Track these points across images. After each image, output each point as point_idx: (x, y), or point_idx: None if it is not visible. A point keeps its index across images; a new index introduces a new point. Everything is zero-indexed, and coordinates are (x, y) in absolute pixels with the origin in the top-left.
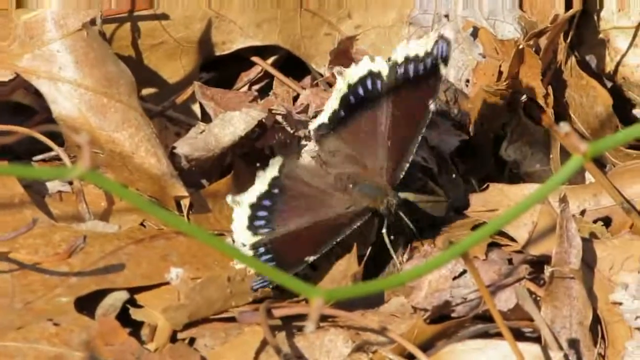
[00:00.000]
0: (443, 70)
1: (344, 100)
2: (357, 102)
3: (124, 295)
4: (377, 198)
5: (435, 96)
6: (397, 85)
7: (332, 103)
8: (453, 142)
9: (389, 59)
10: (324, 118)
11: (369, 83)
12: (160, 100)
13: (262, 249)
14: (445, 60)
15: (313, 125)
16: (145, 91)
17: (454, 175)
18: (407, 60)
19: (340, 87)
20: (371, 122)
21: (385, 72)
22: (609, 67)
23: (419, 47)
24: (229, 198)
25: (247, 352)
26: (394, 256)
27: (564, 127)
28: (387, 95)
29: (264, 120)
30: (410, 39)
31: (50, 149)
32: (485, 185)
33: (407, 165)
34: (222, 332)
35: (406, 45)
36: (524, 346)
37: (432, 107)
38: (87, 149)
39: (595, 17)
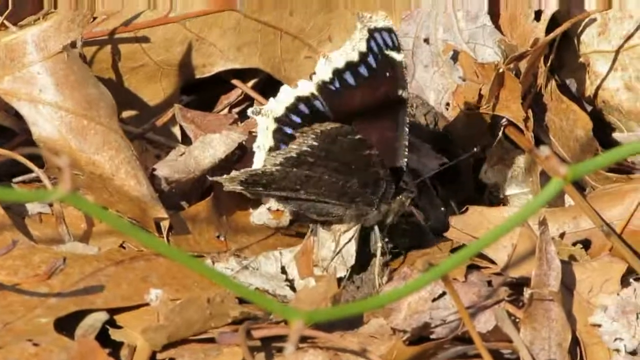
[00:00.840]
0: (399, 57)
1: (277, 134)
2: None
3: (103, 316)
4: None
5: (401, 85)
6: (341, 99)
7: (262, 142)
8: (433, 165)
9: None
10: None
11: (302, 108)
12: (140, 123)
13: None
14: (397, 48)
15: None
16: (126, 113)
17: (434, 198)
18: (338, 71)
19: (267, 125)
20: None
21: (315, 91)
22: (589, 90)
23: (346, 53)
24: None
25: None
26: (376, 274)
27: (544, 150)
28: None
29: (244, 142)
30: None
31: (30, 171)
32: (465, 208)
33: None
34: (202, 353)
35: (327, 58)
36: None
37: (404, 95)
38: (68, 171)
39: (576, 41)
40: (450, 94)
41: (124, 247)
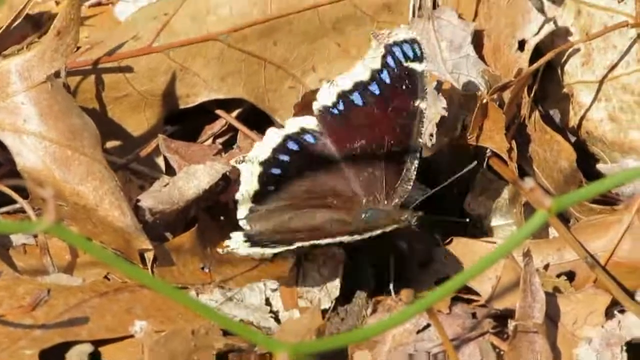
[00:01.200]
0: (420, 67)
1: (263, 177)
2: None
3: (88, 348)
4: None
5: (420, 95)
6: (345, 121)
7: (246, 188)
8: (417, 195)
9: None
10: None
11: (291, 145)
12: (124, 153)
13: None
14: (419, 58)
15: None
16: (110, 144)
17: (418, 230)
18: (344, 94)
19: (252, 171)
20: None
21: (305, 125)
22: (573, 121)
23: (355, 75)
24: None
25: None
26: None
27: (528, 182)
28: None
29: (228, 173)
30: None
31: (14, 202)
32: (450, 239)
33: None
34: None
35: (332, 83)
36: None
37: (421, 105)
38: (52, 202)
39: (560, 71)
40: (434, 124)
41: (108, 279)
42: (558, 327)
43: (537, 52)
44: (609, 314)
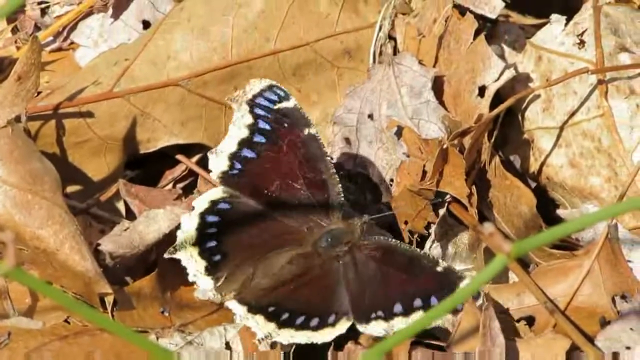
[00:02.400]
0: (291, 103)
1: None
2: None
3: None
4: None
5: (305, 124)
6: (250, 175)
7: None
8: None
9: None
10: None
11: (223, 206)
12: (84, 198)
13: None
14: (285, 97)
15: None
16: (70, 188)
17: None
18: (234, 155)
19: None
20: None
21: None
22: (533, 167)
23: (234, 137)
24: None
25: None
26: None
27: (488, 227)
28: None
29: None
30: (334, 137)
31: None
32: None
33: None
34: None
35: (215, 152)
36: None
37: (312, 131)
38: (12, 246)
39: (520, 117)
40: (395, 170)
41: (68, 322)
42: None
43: (498, 98)
44: (568, 359)
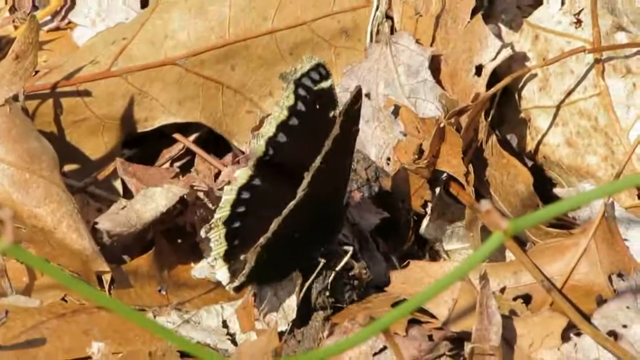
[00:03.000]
0: (327, 83)
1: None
2: None
3: None
4: None
5: (332, 107)
6: (282, 158)
7: (217, 251)
8: (374, 219)
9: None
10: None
11: (245, 195)
12: (82, 177)
13: None
14: (325, 77)
15: None
16: (68, 167)
17: (374, 253)
18: (271, 140)
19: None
20: None
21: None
22: (530, 146)
23: (275, 119)
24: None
25: None
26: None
27: (484, 204)
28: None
29: (185, 196)
30: None
31: None
32: (406, 262)
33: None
34: None
35: (257, 135)
36: None
37: (336, 114)
38: (10, 224)
39: (517, 96)
40: (392, 148)
41: (65, 301)
42: (514, 349)
43: (495, 77)
44: (565, 337)
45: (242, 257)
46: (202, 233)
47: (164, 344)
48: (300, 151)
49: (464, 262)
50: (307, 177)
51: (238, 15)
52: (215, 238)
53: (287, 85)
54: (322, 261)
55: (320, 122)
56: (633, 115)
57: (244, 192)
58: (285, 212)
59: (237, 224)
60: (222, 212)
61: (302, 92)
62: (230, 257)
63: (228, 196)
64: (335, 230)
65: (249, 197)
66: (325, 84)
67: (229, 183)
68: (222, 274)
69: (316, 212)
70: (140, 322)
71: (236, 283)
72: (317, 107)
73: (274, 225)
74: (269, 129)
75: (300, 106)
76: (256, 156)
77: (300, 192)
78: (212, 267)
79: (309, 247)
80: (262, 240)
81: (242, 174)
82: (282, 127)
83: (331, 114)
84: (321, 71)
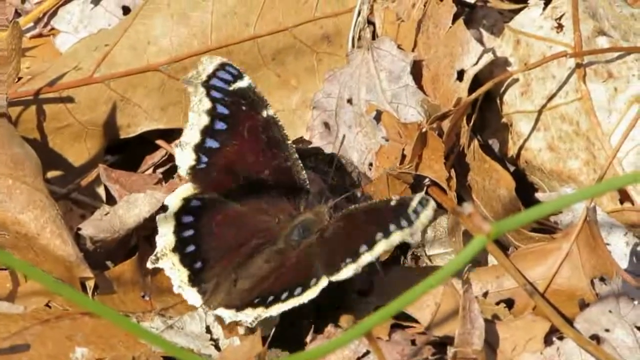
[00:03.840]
0: (245, 82)
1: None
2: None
3: None
4: None
5: (261, 106)
6: (217, 165)
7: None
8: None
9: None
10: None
11: (195, 203)
12: (65, 183)
13: None
14: (239, 76)
15: None
16: (51, 173)
17: None
18: (198, 146)
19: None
20: None
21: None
22: (512, 150)
23: (195, 125)
24: None
25: None
26: None
27: (467, 207)
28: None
29: None
30: (314, 122)
31: None
32: (389, 268)
33: None
34: None
35: (180, 145)
36: None
37: (269, 113)
38: None
39: (499, 101)
40: (374, 154)
41: (49, 307)
42: (497, 353)
43: (476, 82)
44: (547, 341)
45: (211, 278)
46: (149, 264)
47: (147, 349)
48: (239, 154)
49: (447, 265)
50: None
51: (220, 22)
52: (169, 266)
53: (195, 89)
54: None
55: (252, 122)
56: (614, 120)
57: (184, 216)
58: None
59: (191, 248)
60: (165, 239)
61: (216, 94)
62: (197, 280)
63: (166, 224)
64: None
65: (193, 220)
66: (242, 83)
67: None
68: (192, 297)
69: None
70: (128, 326)
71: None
72: (243, 107)
73: None
74: (193, 136)
75: (222, 109)
76: (188, 165)
77: None
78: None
79: None
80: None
81: (174, 199)
82: (208, 132)
83: (264, 114)
84: (230, 70)
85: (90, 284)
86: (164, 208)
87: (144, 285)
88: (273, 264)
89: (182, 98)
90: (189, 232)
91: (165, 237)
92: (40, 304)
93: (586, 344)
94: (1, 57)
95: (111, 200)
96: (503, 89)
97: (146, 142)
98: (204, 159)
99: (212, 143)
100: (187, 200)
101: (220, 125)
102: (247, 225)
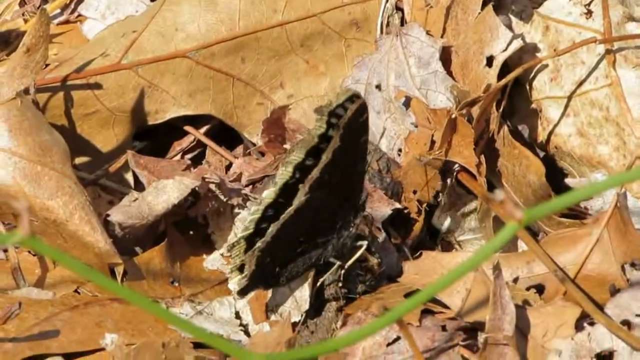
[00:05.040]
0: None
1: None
2: None
3: None
4: None
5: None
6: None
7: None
8: (385, 210)
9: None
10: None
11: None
12: (93, 169)
13: None
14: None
15: None
16: (79, 160)
17: (387, 244)
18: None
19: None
20: None
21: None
22: (542, 136)
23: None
24: None
25: None
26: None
27: (498, 195)
28: None
29: (197, 188)
30: None
31: None
32: (419, 253)
33: None
34: None
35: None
36: None
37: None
38: (26, 215)
39: (528, 87)
40: (403, 140)
41: (78, 292)
42: (528, 339)
43: (505, 68)
44: (578, 327)
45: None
46: (225, 251)
47: (177, 335)
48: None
49: (477, 253)
50: (304, 188)
51: (248, 8)
52: (236, 253)
53: (321, 117)
54: (337, 263)
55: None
56: None
57: (270, 209)
58: (282, 219)
59: (257, 239)
60: (247, 231)
61: (333, 120)
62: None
63: (254, 215)
64: (345, 234)
65: (272, 214)
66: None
67: (240, 175)
68: (232, 283)
69: (324, 218)
70: (159, 313)
71: (235, 286)
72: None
73: (271, 230)
74: (298, 155)
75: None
76: (283, 181)
77: (295, 202)
78: (229, 279)
79: (319, 250)
80: (259, 244)
81: (269, 194)
82: (310, 151)
83: (362, 139)
84: (354, 100)
85: (119, 270)
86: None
87: (172, 271)
88: None
89: (210, 84)
90: (264, 225)
91: (249, 227)
92: (69, 290)
93: (617, 329)
94: (29, 43)
95: (139, 187)
96: (532, 75)
97: (174, 128)
98: (297, 175)
99: (309, 161)
100: (277, 196)
101: (323, 145)
102: None
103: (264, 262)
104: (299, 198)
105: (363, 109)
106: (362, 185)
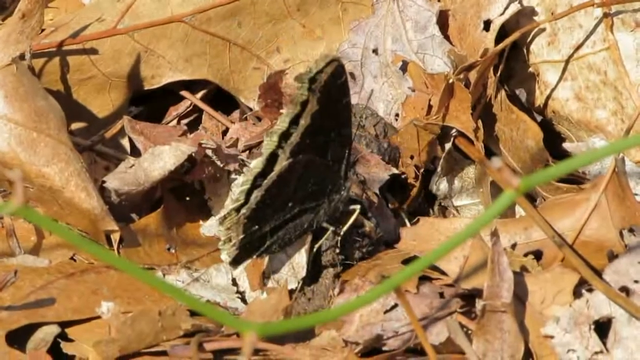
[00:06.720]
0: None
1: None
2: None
3: (55, 329)
4: None
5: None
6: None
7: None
8: (383, 176)
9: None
10: None
11: None
12: (89, 135)
13: None
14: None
15: None
16: (75, 125)
17: (384, 209)
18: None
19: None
20: None
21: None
22: (539, 100)
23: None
24: None
25: None
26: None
27: (496, 162)
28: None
29: (193, 154)
30: None
31: None
32: (416, 219)
33: None
34: None
35: (268, 133)
36: None
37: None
38: (20, 185)
39: (525, 51)
40: (400, 104)
41: (74, 260)
42: (526, 306)
43: (503, 32)
44: (576, 293)
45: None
46: (217, 224)
47: (173, 303)
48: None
49: (475, 220)
50: (284, 153)
51: None
52: (227, 225)
53: (302, 85)
54: (331, 228)
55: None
56: None
57: (259, 179)
58: (264, 185)
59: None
60: (237, 202)
61: (314, 86)
62: None
63: (244, 186)
64: (336, 198)
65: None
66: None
67: (236, 141)
68: (224, 254)
69: (312, 182)
70: (151, 281)
71: (226, 256)
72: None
73: (255, 196)
74: (281, 125)
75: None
76: (269, 151)
77: (277, 167)
78: (221, 251)
79: (310, 215)
80: (243, 210)
81: (256, 164)
82: (294, 120)
83: (343, 101)
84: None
85: (115, 236)
86: None
87: (169, 237)
88: None
89: (206, 49)
90: None
91: (239, 199)
92: (65, 257)
93: (615, 296)
94: (25, 9)
95: (135, 152)
96: (530, 38)
97: (170, 93)
98: (283, 144)
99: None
100: (265, 166)
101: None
102: None
103: (251, 230)
104: (280, 163)
105: (340, 72)
106: (350, 148)
